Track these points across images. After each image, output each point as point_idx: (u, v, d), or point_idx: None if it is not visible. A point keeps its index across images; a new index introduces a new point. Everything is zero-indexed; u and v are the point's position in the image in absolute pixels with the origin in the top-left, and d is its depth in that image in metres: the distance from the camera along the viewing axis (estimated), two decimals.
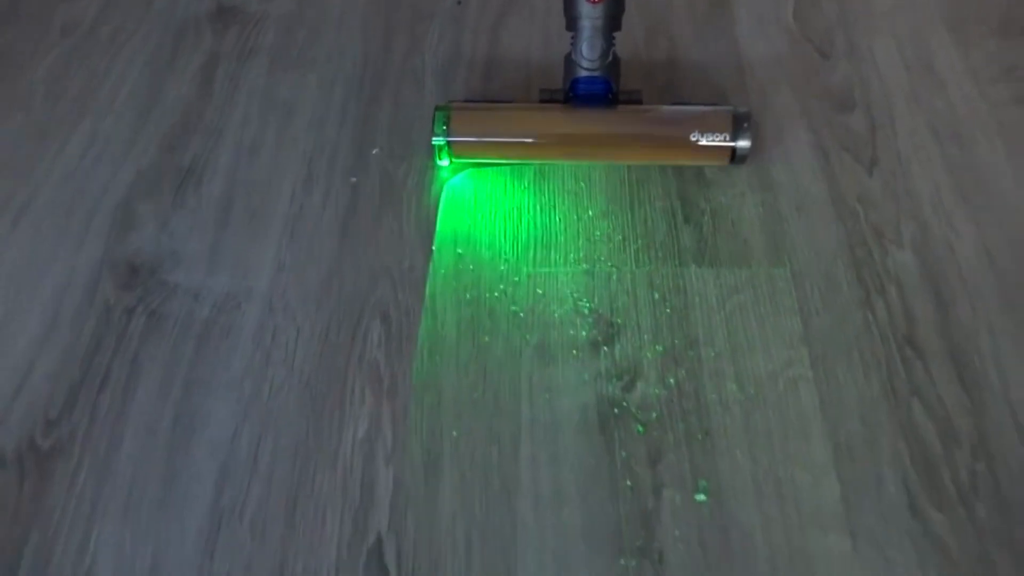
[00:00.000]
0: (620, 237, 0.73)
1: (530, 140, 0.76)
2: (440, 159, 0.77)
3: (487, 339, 0.67)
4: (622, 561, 0.56)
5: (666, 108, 0.76)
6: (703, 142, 0.72)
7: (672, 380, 0.64)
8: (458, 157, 0.77)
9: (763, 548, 0.56)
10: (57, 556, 0.58)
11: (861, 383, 0.63)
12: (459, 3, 0.94)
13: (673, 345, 0.66)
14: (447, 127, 0.74)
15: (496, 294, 0.70)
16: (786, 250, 0.72)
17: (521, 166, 0.78)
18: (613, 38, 0.73)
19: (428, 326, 0.68)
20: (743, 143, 0.72)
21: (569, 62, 0.75)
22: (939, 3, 0.92)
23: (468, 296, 0.70)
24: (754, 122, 0.73)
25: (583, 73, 0.74)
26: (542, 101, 0.77)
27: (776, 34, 0.90)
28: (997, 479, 0.58)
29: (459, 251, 0.72)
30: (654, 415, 0.62)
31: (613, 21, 0.73)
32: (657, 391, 0.64)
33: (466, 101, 0.81)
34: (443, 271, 0.71)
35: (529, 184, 0.77)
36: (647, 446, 0.61)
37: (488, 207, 0.76)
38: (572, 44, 0.74)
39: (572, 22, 0.73)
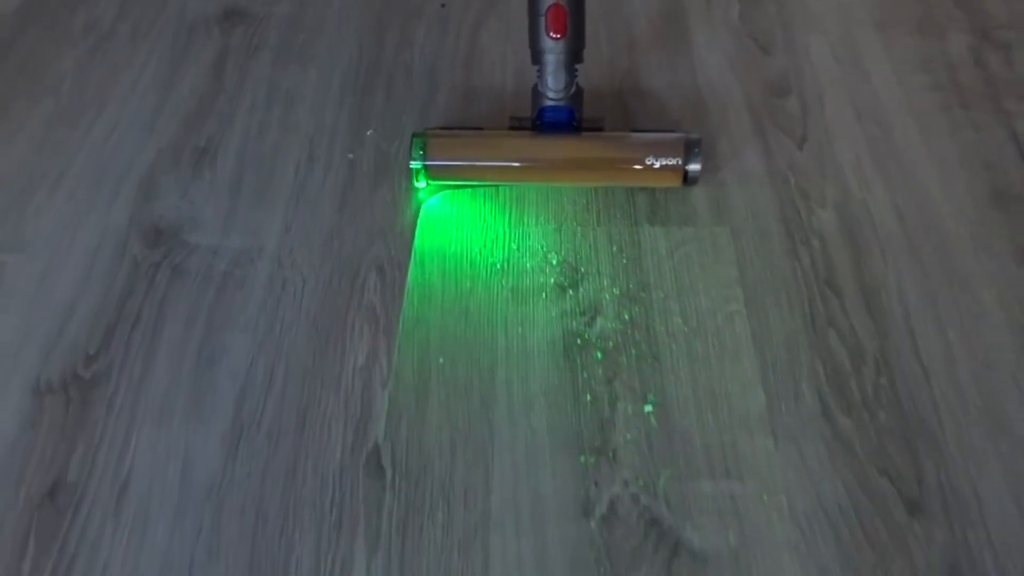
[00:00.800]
0: (584, 202, 0.84)
1: (500, 164, 0.83)
2: (417, 181, 0.83)
3: (468, 285, 0.78)
4: (582, 458, 0.67)
5: (624, 135, 0.83)
6: (657, 165, 0.79)
7: (627, 316, 0.75)
8: (434, 179, 0.83)
9: (700, 448, 0.67)
10: (100, 461, 0.68)
11: (786, 317, 0.75)
12: (443, 6, 1.06)
13: (628, 288, 0.77)
14: (424, 151, 0.81)
15: (476, 250, 0.81)
16: (727, 211, 0.83)
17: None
18: (576, 70, 0.80)
19: (417, 275, 0.79)
20: (694, 166, 0.79)
21: (536, 93, 0.81)
22: (867, 5, 1.04)
23: (452, 251, 0.80)
24: (705, 147, 0.82)
25: (548, 103, 0.80)
26: (511, 128, 0.84)
27: (724, 34, 1.02)
28: (896, 390, 0.70)
29: (444, 220, 0.83)
30: (611, 344, 0.73)
31: (575, 55, 0.79)
32: (614, 325, 0.75)
33: (442, 128, 0.88)
34: (430, 233, 0.82)
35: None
36: (604, 368, 0.72)
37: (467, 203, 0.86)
38: (538, 76, 0.80)
39: (537, 56, 0.79)
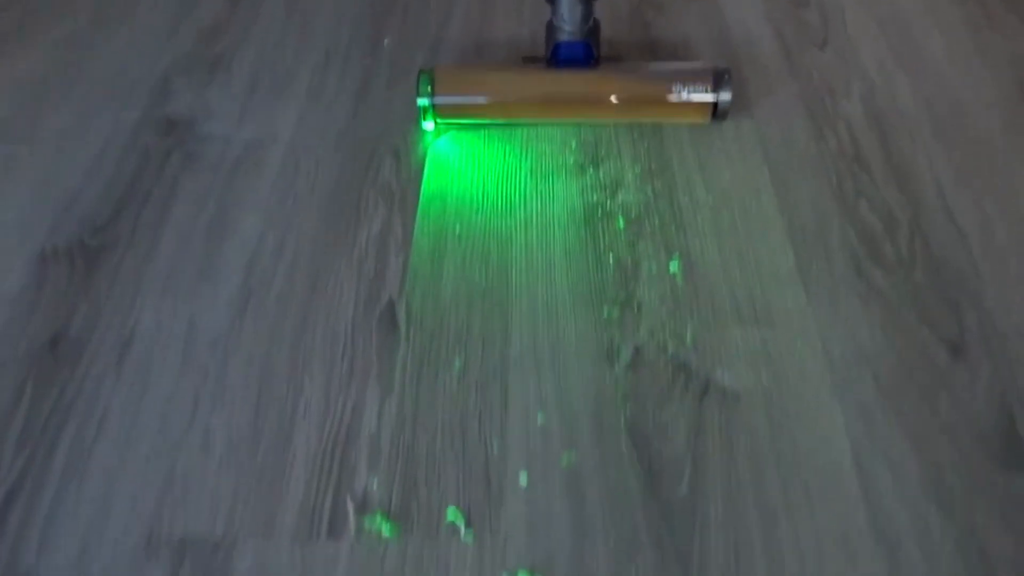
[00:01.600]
0: None
1: (514, 100, 0.76)
2: (425, 120, 0.77)
3: (486, 164, 0.76)
4: (605, 310, 0.64)
5: (647, 65, 0.77)
6: (684, 96, 0.73)
7: (650, 189, 0.73)
8: (443, 119, 0.77)
9: (728, 300, 0.64)
10: (104, 320, 0.65)
11: (814, 190, 0.72)
12: None
13: (650, 167, 0.75)
14: (432, 88, 0.75)
15: (495, 138, 0.79)
16: (748, 104, 0.81)
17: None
18: (592, 4, 0.74)
19: (435, 156, 0.77)
20: (724, 96, 0.73)
21: (550, 28, 0.75)
22: None
23: (471, 138, 0.79)
24: (734, 78, 0.77)
25: (564, 38, 0.74)
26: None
27: None
28: (931, 251, 0.67)
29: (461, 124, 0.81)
30: (634, 213, 0.71)
31: None
32: (636, 197, 0.72)
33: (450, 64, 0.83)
34: (449, 130, 0.80)
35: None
36: (627, 233, 0.69)
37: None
38: (553, 11, 0.74)
39: None
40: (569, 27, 0.74)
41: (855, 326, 0.62)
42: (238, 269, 0.68)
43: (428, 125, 0.77)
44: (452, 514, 0.53)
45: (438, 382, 0.60)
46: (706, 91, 0.73)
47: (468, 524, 0.52)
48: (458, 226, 0.71)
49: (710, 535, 0.51)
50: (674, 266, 0.66)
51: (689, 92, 0.73)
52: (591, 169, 0.75)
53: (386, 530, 0.52)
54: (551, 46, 0.76)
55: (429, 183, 0.75)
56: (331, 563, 0.51)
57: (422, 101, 0.75)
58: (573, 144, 0.78)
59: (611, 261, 0.67)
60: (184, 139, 0.81)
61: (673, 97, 0.74)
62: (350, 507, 0.53)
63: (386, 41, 0.92)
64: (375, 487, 0.54)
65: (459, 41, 0.92)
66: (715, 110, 0.74)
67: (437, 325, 0.64)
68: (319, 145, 0.80)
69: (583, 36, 0.74)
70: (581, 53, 0.75)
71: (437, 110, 0.76)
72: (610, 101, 0.75)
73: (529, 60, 0.79)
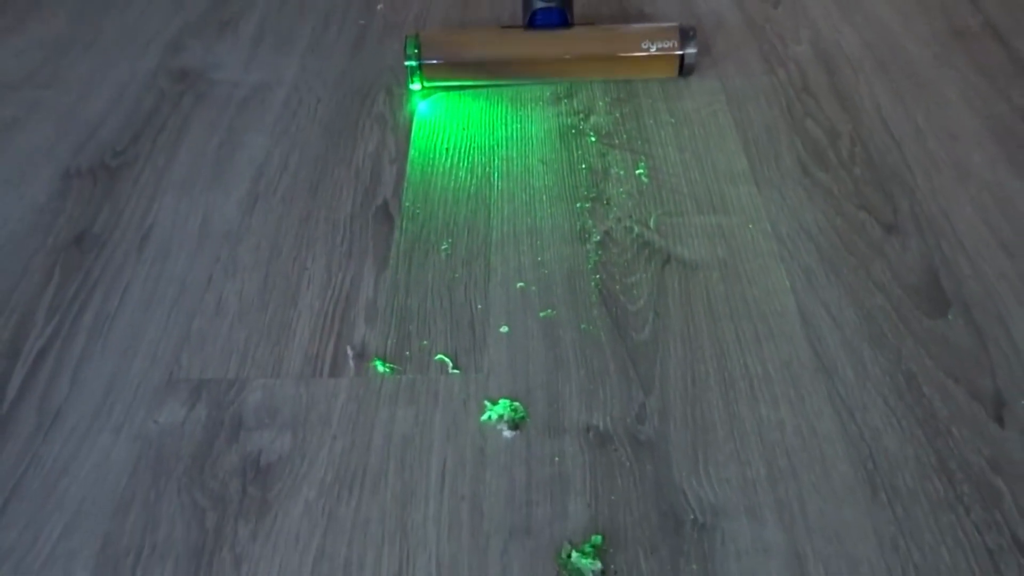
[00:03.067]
0: None
1: (494, 60, 0.82)
2: (412, 83, 0.82)
3: (470, 97, 0.84)
4: (578, 204, 0.71)
5: (618, 27, 0.84)
6: (653, 50, 0.80)
7: (618, 113, 0.81)
8: (429, 80, 0.82)
9: (688, 195, 0.72)
10: (124, 219, 0.72)
11: (766, 111, 0.80)
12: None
13: (619, 97, 0.83)
14: (418, 50, 0.80)
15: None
16: (707, 49, 0.90)
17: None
18: None
19: (423, 93, 0.85)
20: (690, 51, 0.80)
21: None
22: None
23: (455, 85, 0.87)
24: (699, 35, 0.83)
25: (540, 5, 0.80)
26: None
27: None
28: (870, 154, 0.75)
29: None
30: (604, 131, 0.79)
31: None
32: (606, 120, 0.81)
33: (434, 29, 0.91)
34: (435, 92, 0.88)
35: None
36: (598, 147, 0.77)
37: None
38: None
39: None
40: None
41: (801, 212, 0.69)
42: (247, 177, 0.75)
43: (415, 86, 0.83)
44: (441, 358, 0.59)
45: (428, 259, 0.67)
46: (673, 47, 0.80)
47: (456, 365, 0.58)
48: (446, 142, 0.78)
49: (670, 366, 0.58)
50: (640, 170, 0.74)
51: (657, 47, 0.80)
52: (565, 100, 0.83)
53: (382, 368, 0.58)
54: (528, 13, 0.82)
55: (421, 115, 0.82)
56: (332, 395, 0.57)
57: (409, 62, 0.81)
58: (549, 87, 0.86)
59: (583, 167, 0.75)
60: (196, 84, 0.89)
61: (642, 53, 0.80)
62: (350, 352, 0.59)
63: (379, 6, 1.01)
64: (372, 338, 0.61)
65: (446, 9, 1.01)
66: (682, 64, 0.81)
67: (427, 217, 0.71)
68: (319, 85, 0.87)
69: (558, 4, 0.81)
70: (557, 18, 0.81)
71: (423, 71, 0.81)
72: (584, 58, 0.82)
73: (507, 28, 0.85)
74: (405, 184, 0.74)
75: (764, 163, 0.74)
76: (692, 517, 0.49)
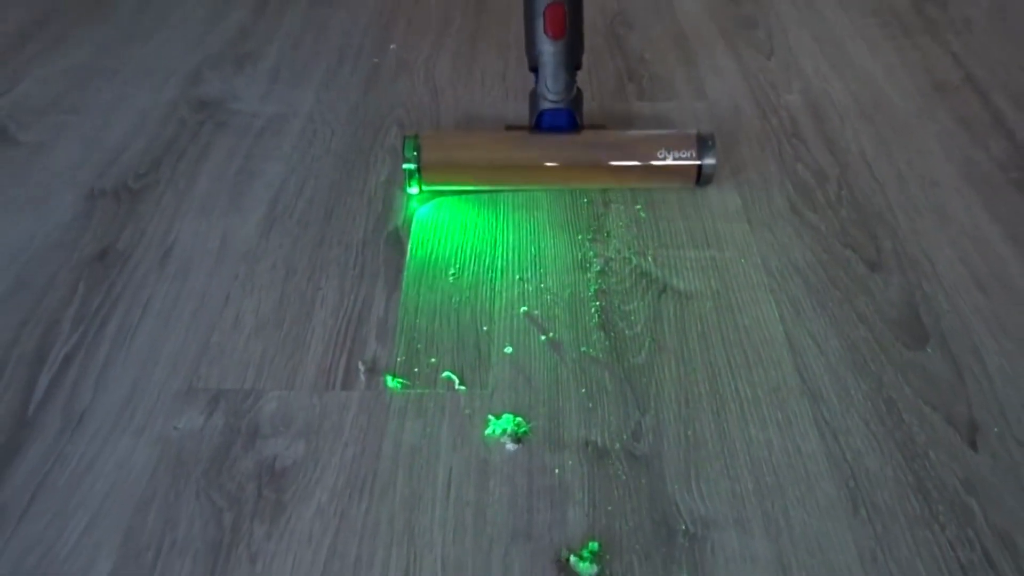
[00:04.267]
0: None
1: (498, 164, 0.77)
2: (410, 186, 0.77)
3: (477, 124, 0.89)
4: (579, 236, 0.75)
5: (632, 132, 0.78)
6: (669, 161, 0.75)
7: None
8: (428, 184, 0.77)
9: (685, 231, 0.76)
10: (147, 237, 0.76)
11: (757, 154, 0.85)
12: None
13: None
14: (418, 152, 0.75)
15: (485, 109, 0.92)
16: (705, 94, 0.95)
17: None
18: (575, 74, 0.76)
19: (422, 197, 0.89)
20: (708, 161, 0.74)
21: (534, 97, 0.77)
22: None
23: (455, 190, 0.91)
24: (717, 143, 0.80)
25: (548, 106, 0.76)
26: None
27: None
28: (855, 197, 0.79)
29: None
30: None
31: (574, 57, 0.75)
32: None
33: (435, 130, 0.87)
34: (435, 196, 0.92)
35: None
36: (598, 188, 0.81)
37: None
38: (536, 81, 0.76)
39: (534, 59, 0.76)
40: (553, 96, 0.75)
41: (790, 249, 0.73)
42: (264, 201, 0.79)
43: (413, 190, 0.78)
44: (448, 375, 0.62)
45: (436, 283, 0.70)
46: (691, 156, 0.75)
47: (462, 382, 0.62)
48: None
49: (664, 388, 0.61)
50: (638, 205, 0.78)
51: (674, 157, 0.75)
52: None
53: (392, 383, 0.61)
54: (535, 114, 0.77)
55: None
56: (344, 406, 0.60)
57: (407, 165, 0.76)
58: None
59: (585, 202, 0.79)
60: (215, 113, 0.93)
61: (658, 162, 0.75)
62: (361, 367, 0.63)
63: (392, 46, 1.06)
64: (382, 355, 0.64)
65: (456, 46, 1.06)
66: (699, 175, 0.76)
67: (436, 244, 0.74)
68: (333, 118, 0.92)
69: (567, 105, 0.76)
70: (565, 121, 0.76)
71: (422, 175, 0.76)
72: (594, 166, 0.77)
73: (513, 129, 0.79)
74: (416, 212, 0.78)
75: (756, 202, 0.78)
76: (684, 527, 0.52)
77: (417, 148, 0.75)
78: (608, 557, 0.50)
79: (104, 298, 0.69)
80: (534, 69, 0.77)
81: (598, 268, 0.71)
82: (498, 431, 0.57)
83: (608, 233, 0.75)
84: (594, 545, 0.51)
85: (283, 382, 0.62)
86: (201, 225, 0.77)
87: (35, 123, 0.91)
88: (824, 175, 0.82)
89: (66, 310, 0.68)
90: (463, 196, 0.79)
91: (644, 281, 0.70)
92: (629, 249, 0.73)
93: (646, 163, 0.76)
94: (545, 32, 0.74)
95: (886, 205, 0.78)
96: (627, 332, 0.65)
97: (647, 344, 0.64)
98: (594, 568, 0.49)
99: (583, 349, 0.64)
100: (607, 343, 0.64)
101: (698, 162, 0.75)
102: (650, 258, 0.72)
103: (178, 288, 0.70)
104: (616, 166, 0.76)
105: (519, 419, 0.58)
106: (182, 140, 0.88)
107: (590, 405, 0.60)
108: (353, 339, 0.65)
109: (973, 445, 0.57)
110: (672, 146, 0.75)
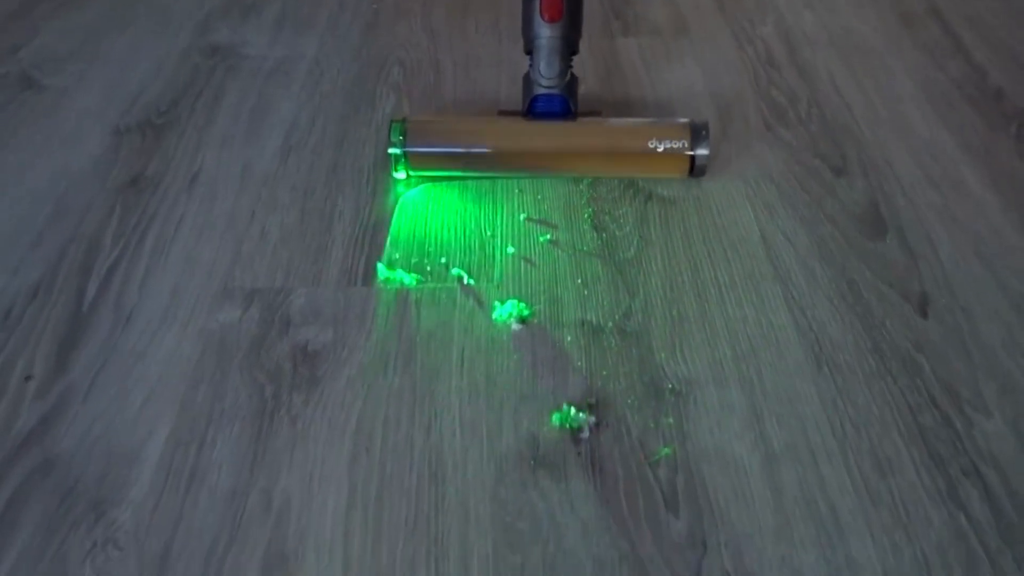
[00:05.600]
0: None
1: (488, 151, 0.75)
2: (396, 171, 0.75)
3: (475, 71, 0.95)
4: None
5: (624, 120, 0.76)
6: (661, 149, 0.73)
7: (605, 82, 0.92)
8: (415, 169, 0.76)
9: None
10: (174, 165, 0.82)
11: (735, 80, 0.92)
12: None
13: (606, 67, 0.95)
14: (404, 137, 0.74)
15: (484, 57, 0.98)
16: (685, 29, 1.02)
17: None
18: (571, 59, 0.75)
19: (409, 182, 0.96)
20: (702, 151, 0.72)
21: (528, 81, 0.75)
22: None
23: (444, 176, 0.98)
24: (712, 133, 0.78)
25: (541, 91, 0.74)
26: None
27: None
28: (824, 114, 0.86)
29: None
30: (593, 96, 0.90)
31: (570, 42, 0.74)
32: (593, 89, 0.92)
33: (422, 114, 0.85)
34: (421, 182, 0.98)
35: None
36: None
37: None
38: (530, 65, 0.75)
39: (530, 42, 0.74)
40: (547, 81, 0.74)
41: (763, 161, 0.80)
42: (280, 134, 0.86)
43: (399, 175, 0.76)
44: (458, 272, 0.69)
45: (444, 198, 0.77)
46: (683, 146, 0.73)
47: (471, 276, 0.69)
48: (456, 108, 0.89)
49: (652, 277, 0.68)
50: None
51: (665, 146, 0.73)
52: None
53: (407, 279, 0.68)
54: (528, 99, 0.75)
55: (429, 82, 0.93)
56: (365, 299, 0.67)
57: (393, 150, 0.74)
58: None
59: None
60: (227, 58, 0.99)
61: (650, 151, 0.74)
62: (379, 267, 0.70)
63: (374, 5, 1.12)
64: (398, 256, 0.71)
65: None
66: (692, 166, 0.74)
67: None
68: (338, 59, 0.98)
69: (561, 90, 0.74)
70: (559, 106, 0.75)
71: (409, 160, 0.75)
72: (585, 155, 0.76)
73: (505, 114, 0.78)
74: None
75: (732, 121, 0.85)
76: (670, 386, 0.60)
77: (403, 133, 0.74)
78: (604, 410, 0.58)
79: (140, 218, 0.76)
80: (529, 52, 0.75)
81: (589, 181, 0.78)
82: (504, 314, 0.65)
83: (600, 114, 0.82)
84: (592, 400, 0.58)
85: (309, 281, 0.69)
86: (223, 154, 0.83)
87: (57, 71, 0.97)
88: (796, 97, 0.89)
89: (105, 229, 0.75)
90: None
91: (631, 191, 0.77)
92: None
93: (638, 153, 0.74)
94: (541, 15, 0.73)
95: (852, 120, 0.85)
96: (617, 232, 0.73)
97: (635, 242, 0.72)
98: (592, 418, 0.57)
99: (578, 247, 0.71)
100: (599, 242, 0.72)
101: (691, 152, 0.73)
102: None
103: (207, 208, 0.77)
104: (607, 155, 0.75)
105: (523, 304, 0.65)
106: (198, 82, 0.95)
107: (586, 292, 0.67)
108: (371, 244, 0.72)
109: (924, 314, 0.64)
110: (664, 135, 0.73)
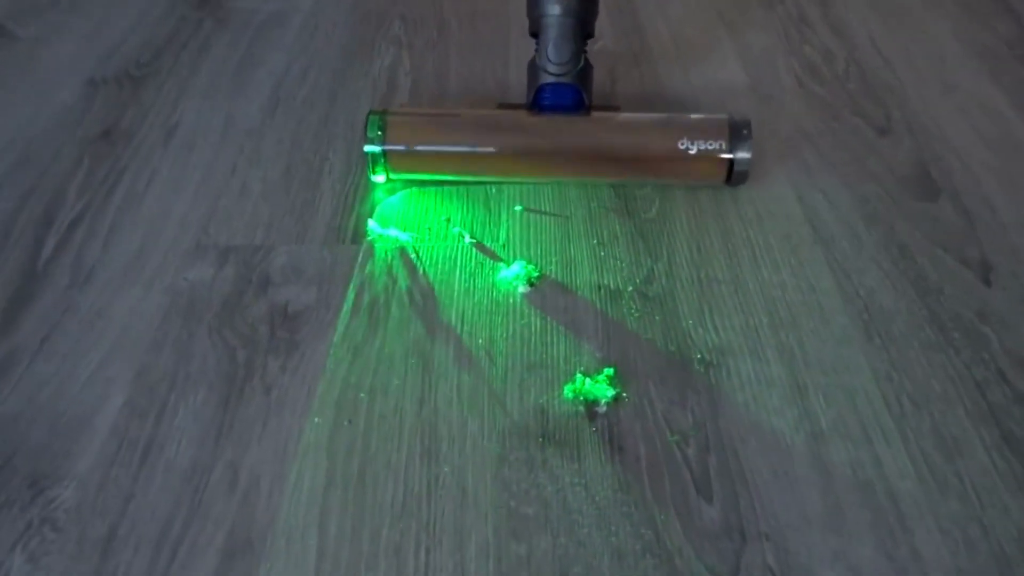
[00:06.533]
0: None
1: (485, 151, 0.62)
2: (374, 173, 0.63)
3: (481, 26, 0.88)
4: None
5: (648, 115, 0.64)
6: (693, 151, 0.60)
7: (625, 43, 0.85)
8: (396, 172, 0.63)
9: (693, 106, 0.75)
10: (150, 118, 0.75)
11: (765, 38, 0.84)
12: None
13: (626, 26, 0.87)
14: (383, 132, 0.61)
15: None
16: None
17: None
18: (585, 43, 0.63)
19: (389, 186, 0.88)
20: (743, 155, 0.60)
21: (533, 68, 0.63)
22: None
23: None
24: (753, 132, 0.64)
25: (550, 80, 0.62)
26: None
27: None
28: (863, 71, 0.79)
29: None
30: (612, 50, 0.83)
31: (584, 22, 0.62)
32: (613, 46, 0.84)
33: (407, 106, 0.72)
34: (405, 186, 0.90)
35: None
36: (605, 63, 0.81)
37: None
38: (536, 49, 0.63)
39: (536, 22, 0.63)
40: (556, 68, 0.62)
41: (799, 118, 0.73)
42: (268, 86, 0.79)
43: (378, 178, 0.64)
44: (459, 230, 0.62)
45: None
46: (720, 148, 0.60)
47: (473, 235, 0.61)
48: (458, 66, 0.82)
49: (676, 239, 0.61)
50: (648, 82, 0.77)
51: (699, 148, 0.61)
52: None
53: (402, 237, 0.61)
54: (534, 90, 0.64)
55: (433, 41, 0.86)
56: (354, 257, 0.60)
57: (370, 148, 0.61)
58: None
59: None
60: (215, 11, 0.92)
61: (681, 153, 0.61)
62: (371, 223, 0.62)
63: None
64: (392, 213, 0.63)
65: None
66: (731, 172, 0.61)
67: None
68: (335, 12, 0.91)
69: (573, 79, 0.63)
70: (569, 99, 0.63)
71: (389, 161, 0.62)
72: (601, 157, 0.63)
73: (507, 107, 0.66)
74: (418, 89, 0.77)
75: (763, 79, 0.78)
76: (699, 356, 0.52)
77: (382, 127, 0.61)
78: (624, 382, 0.50)
79: (109, 171, 0.69)
80: (535, 34, 0.63)
81: None
82: (511, 276, 0.57)
83: (617, 109, 0.74)
84: (610, 370, 0.51)
85: (293, 238, 0.61)
86: (205, 107, 0.76)
87: (33, 21, 0.90)
88: (831, 54, 0.81)
89: (71, 181, 0.67)
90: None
91: None
92: None
93: (665, 156, 0.61)
94: None
95: (894, 79, 0.77)
96: (637, 192, 0.65)
97: (657, 202, 0.64)
98: (611, 390, 0.49)
99: (593, 205, 0.63)
100: (617, 200, 0.64)
101: (729, 155, 0.60)
102: None
103: (183, 161, 0.69)
104: (628, 157, 0.62)
105: (532, 265, 0.58)
106: (183, 34, 0.87)
107: (601, 254, 0.60)
108: (362, 202, 0.65)
109: (987, 282, 0.57)
110: (697, 134, 0.60)
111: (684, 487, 0.45)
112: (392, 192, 0.65)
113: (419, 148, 0.62)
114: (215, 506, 0.44)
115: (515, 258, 0.59)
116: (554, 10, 0.61)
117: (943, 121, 0.72)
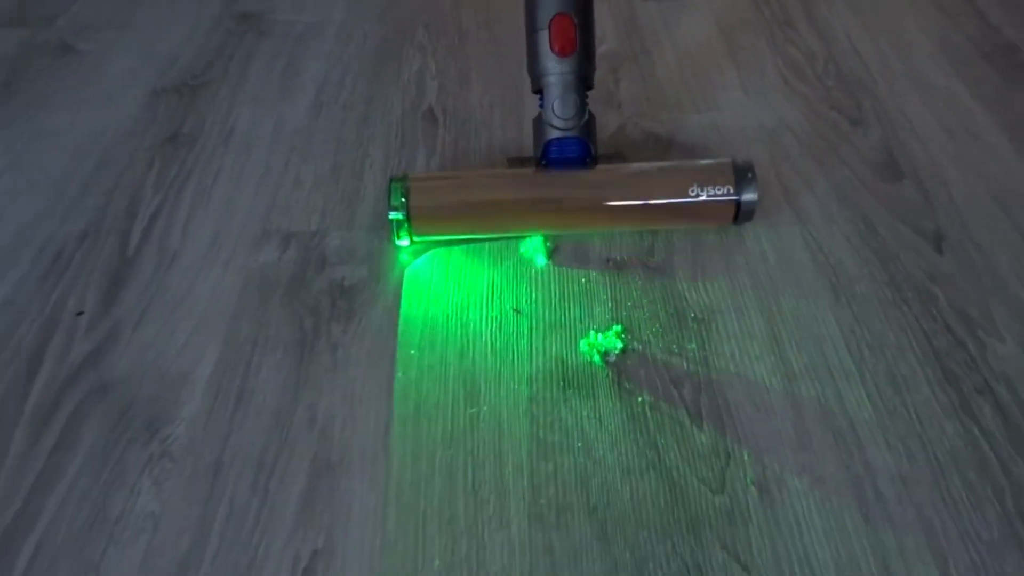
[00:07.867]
0: None
1: (501, 209, 0.66)
2: (399, 239, 0.66)
3: (498, 30, 0.98)
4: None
5: (654, 164, 0.68)
6: (703, 197, 0.64)
7: (627, 46, 0.95)
8: (420, 234, 0.67)
9: (687, 99, 0.85)
10: (209, 123, 0.85)
11: (752, 39, 0.94)
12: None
13: (627, 27, 0.97)
14: (406, 198, 0.65)
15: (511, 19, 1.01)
16: None
17: None
18: (586, 96, 0.66)
19: (414, 249, 0.96)
20: (749, 196, 0.64)
21: (539, 125, 0.66)
22: None
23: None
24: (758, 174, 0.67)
25: (556, 134, 0.65)
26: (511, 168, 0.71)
27: None
28: (840, 70, 0.88)
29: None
30: (613, 53, 0.93)
31: (585, 76, 0.66)
32: (615, 47, 0.94)
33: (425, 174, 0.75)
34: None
35: None
36: (609, 64, 0.91)
37: None
38: (541, 106, 0.66)
39: (539, 80, 0.66)
40: (562, 123, 0.66)
41: (781, 111, 0.83)
42: (310, 92, 0.89)
43: (402, 242, 0.67)
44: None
45: (470, 146, 0.80)
46: (727, 192, 0.64)
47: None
48: (476, 71, 0.92)
49: None
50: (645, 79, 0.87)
51: (708, 194, 0.64)
52: None
53: None
54: (541, 145, 0.67)
55: (455, 46, 0.96)
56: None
57: (395, 215, 0.65)
58: None
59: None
60: (257, 24, 1.02)
61: (689, 200, 0.64)
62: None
63: None
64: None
65: None
66: (738, 212, 0.65)
67: (467, 117, 0.84)
68: (365, 23, 1.01)
69: (578, 133, 0.66)
70: (576, 151, 0.66)
71: (413, 223, 0.65)
72: (612, 207, 0.66)
73: (516, 162, 0.71)
74: (446, 94, 0.87)
75: (750, 76, 0.88)
76: (693, 315, 0.62)
77: (405, 193, 0.65)
78: (630, 336, 0.60)
79: (179, 170, 0.79)
80: (539, 91, 0.66)
81: (613, 130, 0.81)
82: (531, 249, 0.67)
83: (620, 104, 0.84)
84: (618, 327, 0.61)
85: (343, 224, 0.72)
86: (256, 112, 0.86)
87: (93, 37, 1.00)
88: (813, 54, 0.91)
89: (146, 180, 0.78)
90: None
91: (653, 139, 0.79)
92: (640, 116, 0.83)
93: (676, 203, 0.65)
94: (551, 48, 0.64)
95: (868, 75, 0.87)
96: None
97: None
98: (619, 343, 0.60)
99: None
100: None
101: (736, 198, 0.64)
102: (658, 121, 0.82)
103: (243, 160, 0.80)
104: (639, 207, 0.66)
105: (549, 242, 0.68)
106: (230, 46, 0.98)
107: (609, 234, 0.70)
108: None
109: (939, 249, 0.66)
110: (705, 180, 0.64)
111: (680, 419, 0.55)
112: (416, 255, 0.69)
113: (439, 211, 0.66)
114: (300, 439, 0.55)
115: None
116: (556, 68, 0.65)
117: (909, 111, 0.81)
